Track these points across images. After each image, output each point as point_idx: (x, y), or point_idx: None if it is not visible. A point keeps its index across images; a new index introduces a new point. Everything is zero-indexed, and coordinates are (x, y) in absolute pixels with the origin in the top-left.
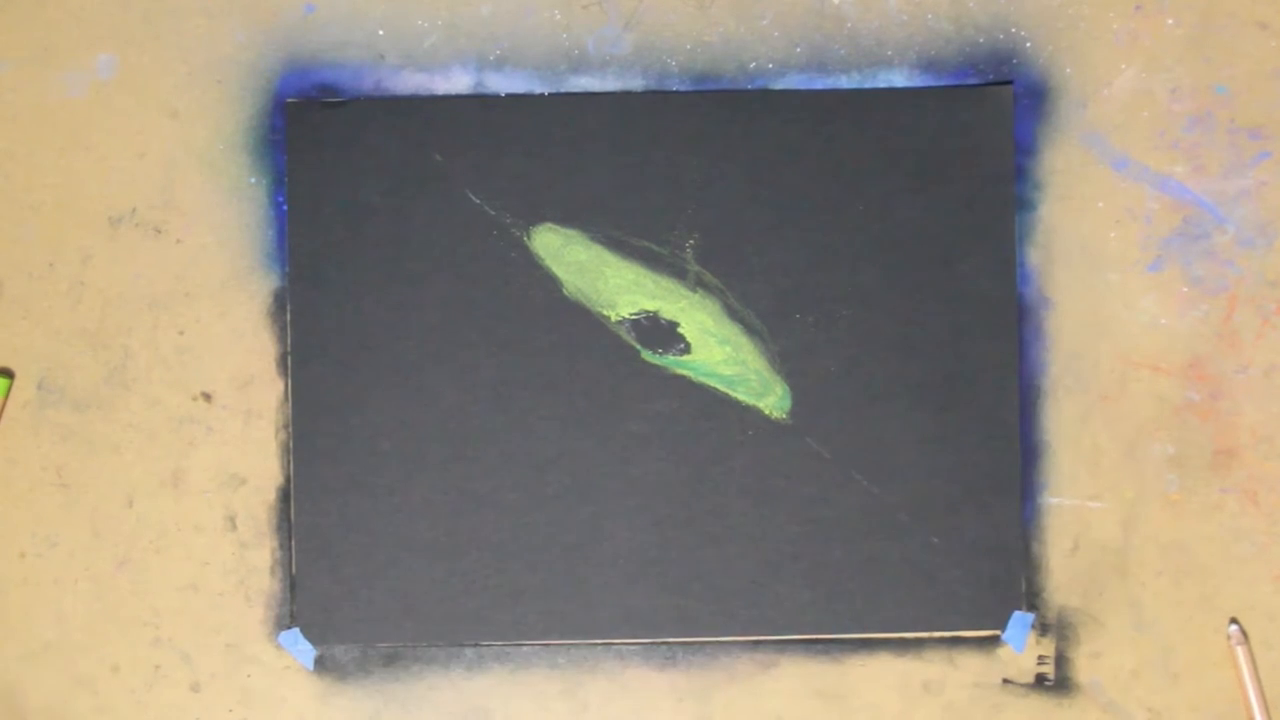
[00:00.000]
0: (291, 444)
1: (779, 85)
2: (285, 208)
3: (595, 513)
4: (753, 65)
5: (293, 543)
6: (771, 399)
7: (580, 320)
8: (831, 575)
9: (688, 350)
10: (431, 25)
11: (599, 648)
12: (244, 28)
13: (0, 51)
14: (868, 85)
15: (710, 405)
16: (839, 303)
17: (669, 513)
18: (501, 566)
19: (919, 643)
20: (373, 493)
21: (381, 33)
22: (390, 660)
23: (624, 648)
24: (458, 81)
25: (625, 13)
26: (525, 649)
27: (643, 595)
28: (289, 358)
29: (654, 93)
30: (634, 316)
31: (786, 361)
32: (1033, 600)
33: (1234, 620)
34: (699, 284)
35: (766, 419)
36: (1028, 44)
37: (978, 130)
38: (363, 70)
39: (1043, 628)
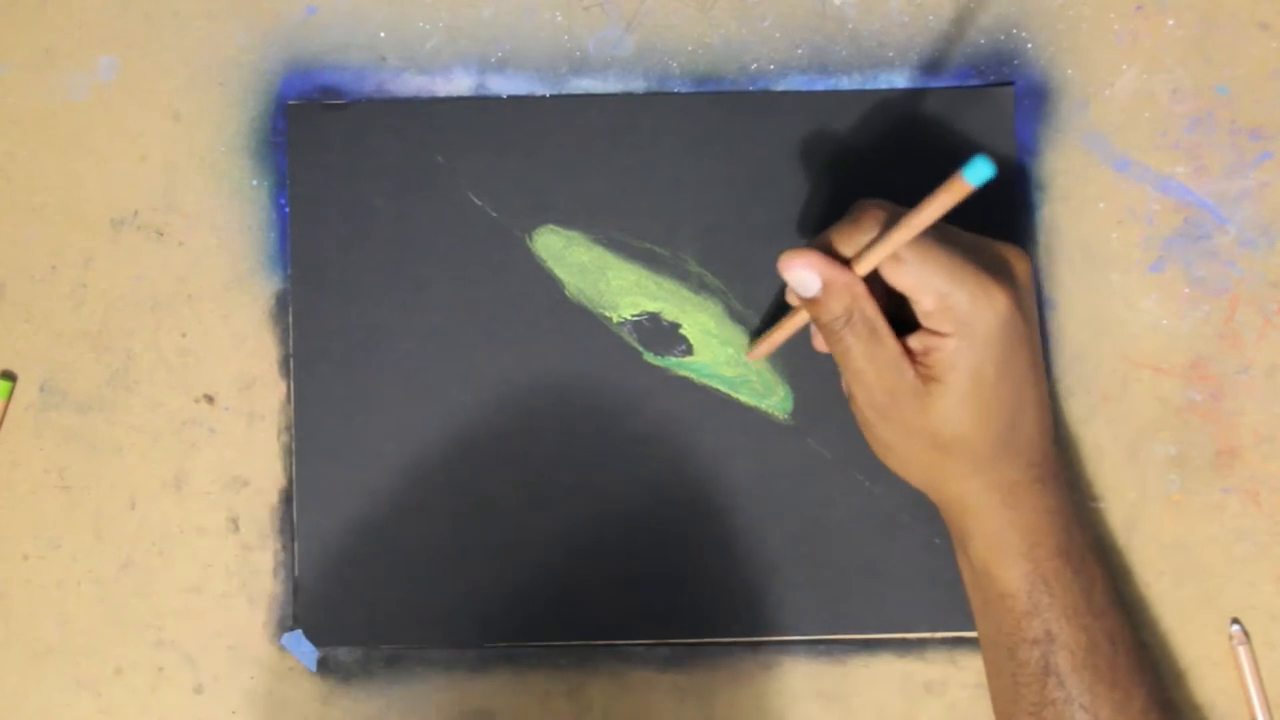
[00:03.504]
0: (294, 446)
1: (780, 86)
2: (287, 210)
3: (597, 514)
4: (754, 66)
5: (295, 545)
6: (773, 400)
7: (582, 322)
8: (833, 576)
9: (690, 351)
10: (433, 28)
11: (601, 649)
12: (245, 30)
13: (1, 54)
14: (869, 86)
15: (712, 406)
16: None
17: (671, 514)
18: (504, 568)
19: (921, 643)
20: (375, 494)
21: (383, 35)
22: (393, 662)
23: (626, 649)
24: (459, 83)
25: (626, 14)
26: (528, 650)
27: (645, 596)
28: (291, 360)
29: (655, 94)
30: (636, 318)
31: (788, 362)
32: None
33: (1236, 620)
34: (701, 285)
35: (768, 420)
36: (1029, 45)
37: (979, 131)
38: (364, 72)
39: None
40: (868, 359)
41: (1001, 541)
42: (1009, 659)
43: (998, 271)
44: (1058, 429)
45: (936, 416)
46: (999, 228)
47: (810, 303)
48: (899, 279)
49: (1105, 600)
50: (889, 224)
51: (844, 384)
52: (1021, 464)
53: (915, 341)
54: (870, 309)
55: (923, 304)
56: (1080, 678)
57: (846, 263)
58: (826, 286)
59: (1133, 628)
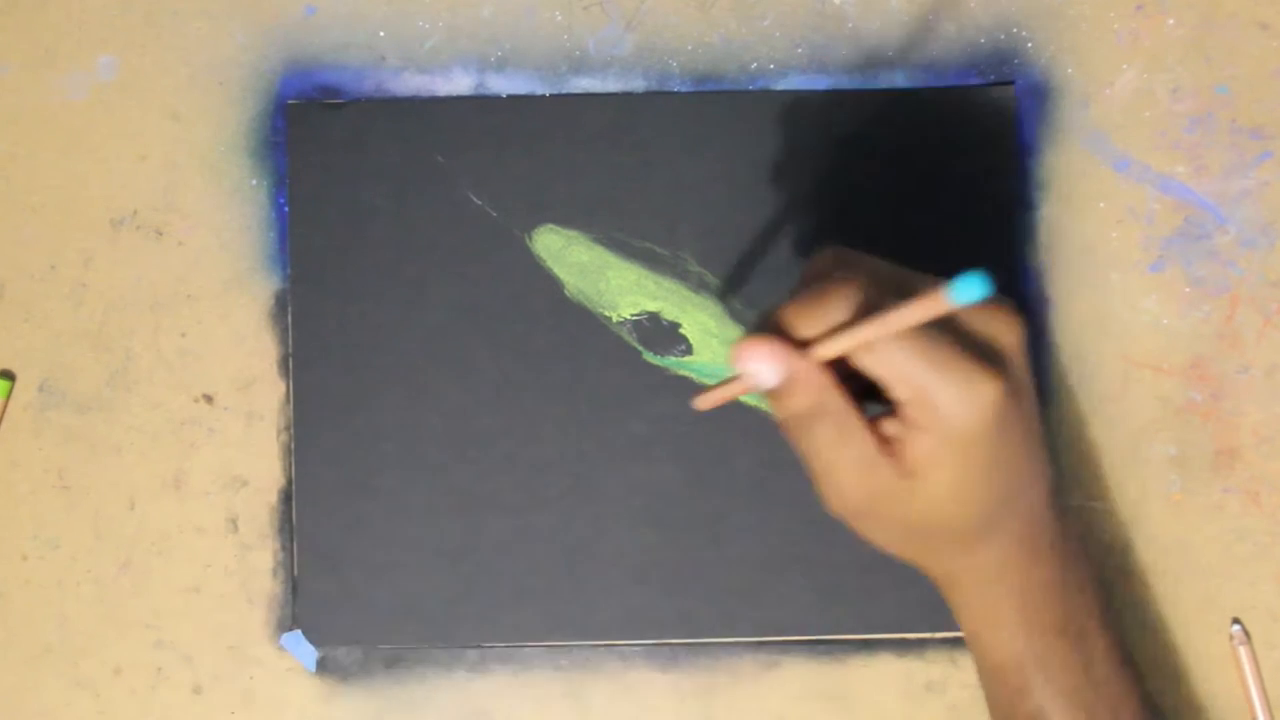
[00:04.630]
0: (293, 446)
1: (780, 86)
2: (286, 209)
3: (597, 514)
4: (754, 66)
5: (295, 545)
6: None
7: (582, 321)
8: (834, 576)
9: (690, 351)
10: (433, 27)
11: (601, 649)
12: (245, 29)
13: (1, 54)
14: (869, 86)
15: None
16: None
17: (671, 513)
18: (503, 568)
19: (921, 643)
20: (375, 494)
21: (382, 34)
22: (392, 662)
23: (626, 649)
24: (459, 83)
25: (626, 14)
26: (528, 651)
27: (645, 596)
28: (290, 360)
29: (655, 93)
30: (636, 317)
31: None
32: None
33: (1236, 620)
34: (701, 285)
35: (769, 420)
36: (1029, 44)
37: (979, 130)
38: (364, 72)
39: None
40: (836, 457)
41: (993, 617)
42: None
43: (984, 353)
44: (1058, 431)
45: (918, 511)
46: (999, 228)
47: (769, 395)
48: (870, 365)
49: (1107, 669)
50: (862, 302)
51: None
52: (1011, 541)
53: (890, 427)
54: (838, 401)
55: (897, 393)
56: None
57: (806, 342)
58: (789, 379)
59: (1140, 688)
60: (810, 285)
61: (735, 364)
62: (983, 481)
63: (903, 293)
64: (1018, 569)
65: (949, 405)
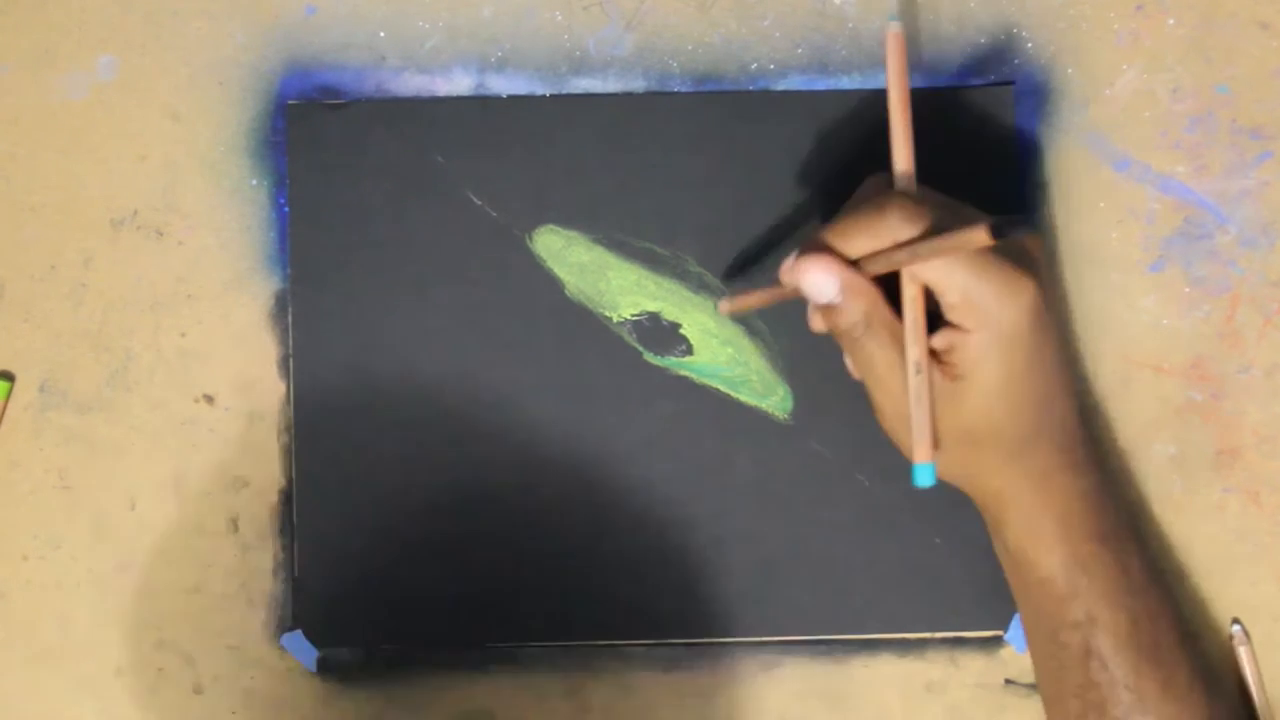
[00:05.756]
0: (294, 446)
1: (780, 86)
2: (286, 210)
3: (598, 514)
4: (754, 66)
5: (295, 545)
6: (774, 400)
7: (582, 322)
8: (834, 576)
9: (690, 351)
10: (433, 27)
11: (602, 649)
12: (245, 29)
13: (1, 54)
14: (869, 86)
15: (712, 406)
16: None
17: (671, 514)
18: (504, 568)
19: (921, 643)
20: (375, 494)
21: (383, 34)
22: (393, 662)
23: (627, 649)
24: (459, 83)
25: (626, 14)
26: (528, 650)
27: (645, 596)
28: (291, 360)
29: (655, 94)
30: (636, 318)
31: (788, 362)
32: None
33: (1236, 620)
34: (701, 285)
35: (769, 420)
36: (1029, 44)
37: (979, 130)
38: (364, 72)
39: None
40: (890, 366)
41: (1037, 528)
42: (1051, 642)
43: (1019, 259)
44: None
45: (968, 414)
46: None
47: (827, 309)
48: (920, 273)
49: (1144, 578)
50: (928, 224)
51: (851, 368)
52: (1053, 450)
53: (939, 340)
54: (888, 313)
55: (947, 298)
56: (1124, 658)
57: (854, 262)
58: (845, 291)
59: (1174, 602)
60: (859, 208)
61: (793, 278)
62: (1025, 380)
63: (947, 221)
64: (1060, 480)
65: (991, 303)
